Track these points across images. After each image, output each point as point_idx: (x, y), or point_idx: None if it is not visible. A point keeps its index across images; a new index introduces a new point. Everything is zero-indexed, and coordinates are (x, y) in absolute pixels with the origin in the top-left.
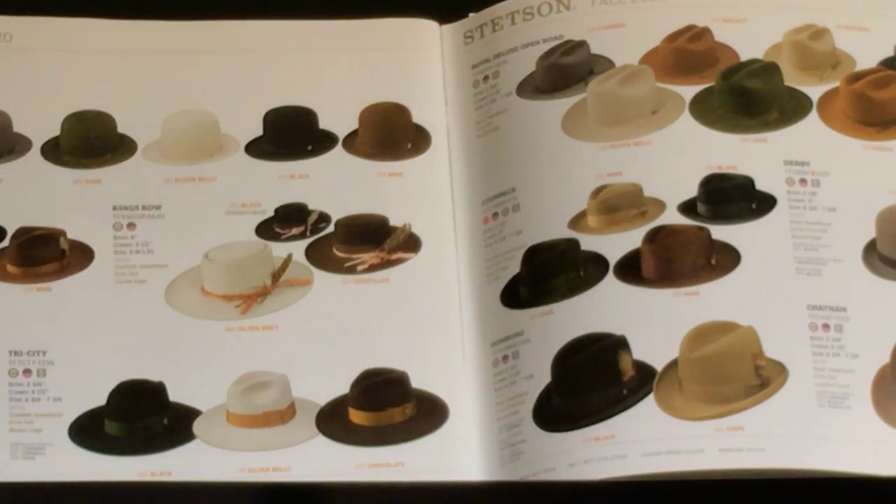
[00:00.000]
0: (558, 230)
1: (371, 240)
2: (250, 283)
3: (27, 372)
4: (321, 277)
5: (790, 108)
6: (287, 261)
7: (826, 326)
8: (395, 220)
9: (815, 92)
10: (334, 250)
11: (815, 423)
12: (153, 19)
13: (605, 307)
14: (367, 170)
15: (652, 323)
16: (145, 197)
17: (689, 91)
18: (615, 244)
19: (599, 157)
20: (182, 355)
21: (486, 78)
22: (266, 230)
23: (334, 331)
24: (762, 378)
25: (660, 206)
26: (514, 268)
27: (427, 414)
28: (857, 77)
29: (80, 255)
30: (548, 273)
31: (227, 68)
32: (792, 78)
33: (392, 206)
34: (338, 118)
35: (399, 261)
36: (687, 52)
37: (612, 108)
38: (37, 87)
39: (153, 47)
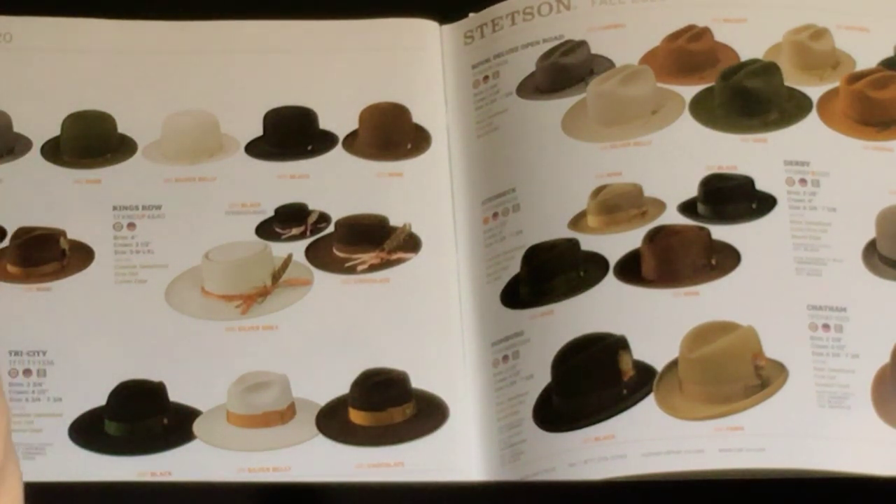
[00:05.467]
0: (558, 230)
1: (371, 240)
2: (250, 283)
3: (27, 372)
4: (321, 277)
5: (790, 108)
6: (287, 261)
7: (826, 326)
8: (395, 220)
9: (815, 92)
10: (334, 250)
11: (815, 423)
12: (153, 19)
13: (605, 307)
14: (367, 170)
15: (652, 323)
16: (145, 197)
17: (689, 91)
18: (615, 244)
19: (599, 157)
20: (182, 355)
21: (486, 78)
22: (266, 230)
23: (334, 331)
24: (762, 378)
25: (660, 206)
26: (514, 268)
27: (427, 414)
28: (857, 77)
29: (80, 255)
30: (548, 273)
31: (227, 68)
32: (792, 78)
33: (392, 206)
34: (338, 118)
35: (399, 261)
36: (687, 52)
37: (612, 108)
38: (37, 87)
39: (153, 47)
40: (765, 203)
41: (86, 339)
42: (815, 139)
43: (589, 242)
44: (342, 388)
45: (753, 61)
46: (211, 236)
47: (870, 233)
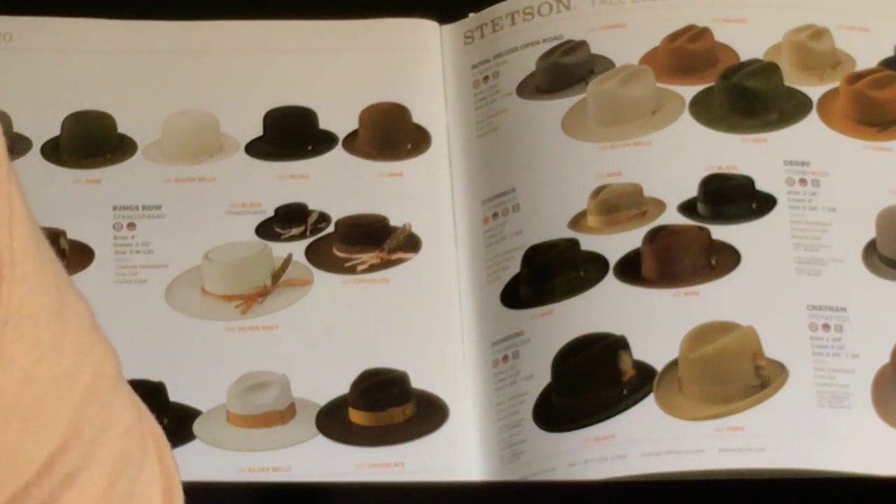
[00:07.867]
0: (558, 230)
1: (371, 240)
2: (250, 283)
3: None
4: (321, 277)
5: (790, 108)
6: (287, 261)
7: (826, 326)
8: (395, 220)
9: (815, 92)
10: (334, 250)
11: (815, 423)
12: (153, 19)
13: (605, 307)
14: (367, 170)
15: (652, 323)
16: (145, 197)
17: (689, 91)
18: (615, 244)
19: (599, 157)
20: (182, 355)
21: (486, 78)
22: (266, 230)
23: (334, 331)
24: (762, 378)
25: (660, 206)
26: (514, 268)
27: (427, 414)
28: (857, 77)
29: (80, 255)
30: (548, 273)
31: (227, 68)
32: (792, 78)
33: (392, 206)
34: (338, 118)
35: (399, 261)
36: (687, 52)
37: (612, 108)
38: (37, 87)
39: (153, 47)
40: (765, 203)
41: None
42: (815, 139)
43: (589, 242)
44: (342, 388)
45: (753, 61)
46: (211, 236)
47: (870, 233)
